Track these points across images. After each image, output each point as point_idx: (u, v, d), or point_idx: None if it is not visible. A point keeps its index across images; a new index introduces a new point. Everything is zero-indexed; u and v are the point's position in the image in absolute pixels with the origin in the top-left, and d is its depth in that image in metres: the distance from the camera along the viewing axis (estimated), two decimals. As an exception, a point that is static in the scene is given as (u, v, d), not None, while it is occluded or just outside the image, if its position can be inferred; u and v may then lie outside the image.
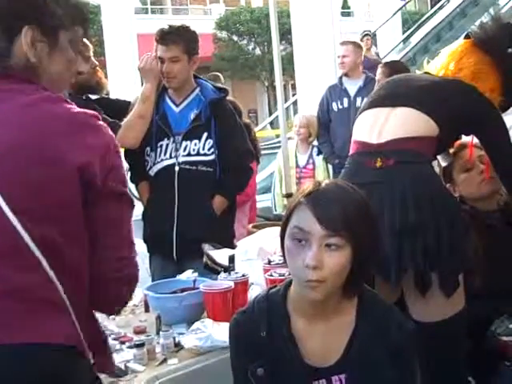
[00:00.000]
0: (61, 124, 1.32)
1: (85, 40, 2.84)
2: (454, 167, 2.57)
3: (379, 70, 4.83)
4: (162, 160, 3.15)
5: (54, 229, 1.29)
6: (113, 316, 2.20)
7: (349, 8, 26.31)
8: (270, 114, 19.47)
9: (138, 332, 2.22)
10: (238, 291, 2.28)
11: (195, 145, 3.12)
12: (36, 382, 1.28)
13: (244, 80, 22.05)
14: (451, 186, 2.55)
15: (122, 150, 3.12)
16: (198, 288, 2.32)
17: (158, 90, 3.18)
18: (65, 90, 1.51)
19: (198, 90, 3.19)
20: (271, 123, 13.12)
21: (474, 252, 2.16)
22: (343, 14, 22.21)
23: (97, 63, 3.18)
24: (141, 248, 3.12)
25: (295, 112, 9.04)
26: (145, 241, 3.22)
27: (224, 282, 2.31)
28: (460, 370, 2.23)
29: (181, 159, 3.12)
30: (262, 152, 5.31)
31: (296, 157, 5.46)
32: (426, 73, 2.50)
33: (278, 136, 7.85)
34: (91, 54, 3.05)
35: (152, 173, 3.19)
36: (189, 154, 3.12)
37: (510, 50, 2.40)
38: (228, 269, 2.43)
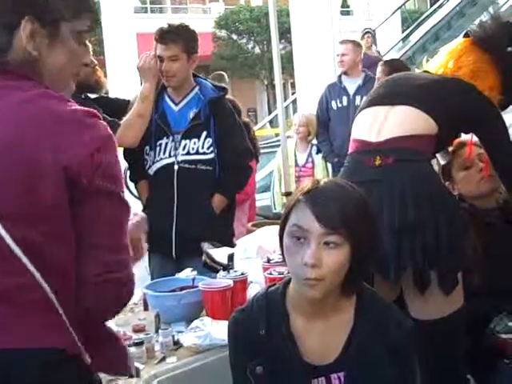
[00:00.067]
0: (50, 121, 1.28)
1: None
2: (453, 165, 2.57)
3: (379, 69, 4.84)
4: (161, 159, 3.15)
5: (39, 228, 1.26)
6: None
7: (348, 7, 26.30)
8: (270, 112, 19.45)
9: (137, 330, 2.22)
10: (237, 289, 2.28)
11: (194, 143, 3.12)
12: None
13: (243, 79, 22.05)
14: (450, 184, 2.55)
15: (121, 149, 3.15)
16: (197, 286, 2.33)
17: (157, 89, 3.18)
18: (68, 86, 1.43)
19: (197, 89, 3.19)
20: (270, 122, 13.11)
21: (472, 250, 2.16)
22: (342, 13, 22.21)
23: (96, 62, 3.18)
24: (140, 247, 3.13)
25: (294, 111, 9.04)
26: (144, 240, 3.22)
27: (223, 280, 2.32)
28: (459, 367, 2.23)
29: (180, 158, 3.12)
30: (262, 151, 5.31)
31: (295, 155, 5.46)
32: (425, 71, 2.51)
33: (277, 135, 7.84)
34: (90, 52, 3.05)
35: (151, 172, 3.19)
36: (188, 153, 3.12)
37: (509, 48, 2.40)
38: (227, 267, 2.43)
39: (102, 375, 1.50)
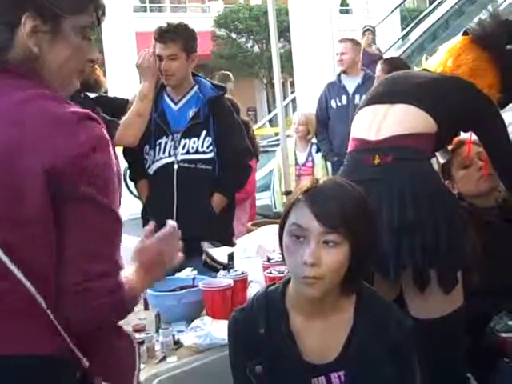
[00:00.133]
0: (39, 123, 1.24)
1: None
2: (452, 164, 2.57)
3: (379, 67, 4.83)
4: (160, 158, 3.15)
5: (20, 232, 1.22)
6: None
7: (347, 5, 26.29)
8: (269, 111, 19.45)
9: (137, 330, 2.21)
10: (237, 289, 2.28)
11: (194, 143, 3.12)
12: None
13: (243, 78, 22.02)
14: (450, 183, 2.55)
15: (120, 149, 3.15)
16: (197, 286, 2.33)
17: (156, 88, 3.18)
18: (72, 84, 1.38)
19: (196, 88, 3.19)
20: (270, 121, 13.10)
21: (472, 249, 2.16)
22: (342, 12, 22.20)
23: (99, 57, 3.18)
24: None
25: (294, 110, 9.03)
26: (144, 239, 3.21)
27: (223, 279, 2.32)
28: (458, 366, 2.23)
29: (180, 157, 3.12)
30: (261, 150, 5.32)
31: (295, 154, 5.46)
32: (424, 69, 2.50)
33: (277, 134, 7.84)
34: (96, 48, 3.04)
35: (151, 171, 3.19)
36: (188, 152, 3.12)
37: (508, 46, 2.40)
38: (227, 266, 2.43)
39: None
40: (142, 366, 1.94)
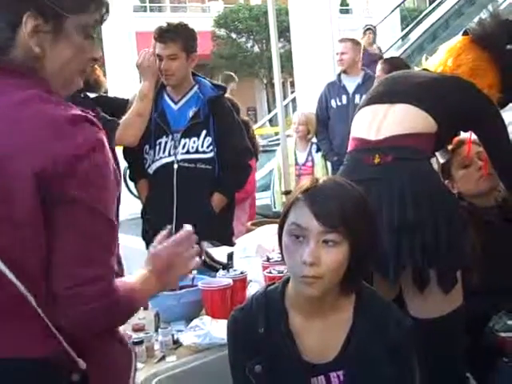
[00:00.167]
0: (36, 126, 1.23)
1: None
2: (452, 164, 2.57)
3: (379, 67, 4.83)
4: (160, 158, 3.15)
5: (10, 234, 1.21)
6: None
7: (347, 5, 26.28)
8: (269, 111, 19.43)
9: (136, 329, 2.21)
10: (236, 288, 2.28)
11: (194, 142, 3.12)
12: None
13: (243, 78, 21.97)
14: (449, 183, 2.55)
15: (120, 148, 3.15)
16: (196, 285, 2.32)
17: (156, 88, 3.18)
18: (74, 83, 1.37)
19: (196, 88, 3.19)
20: (270, 121, 13.10)
21: (471, 248, 2.16)
22: (342, 11, 22.19)
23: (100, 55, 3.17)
24: (139, 246, 3.13)
25: (294, 109, 9.02)
26: (143, 238, 3.22)
27: (223, 279, 2.32)
28: (458, 366, 2.23)
29: (179, 157, 3.12)
30: (261, 149, 5.32)
31: (295, 154, 5.46)
32: (424, 69, 2.50)
33: (277, 133, 7.83)
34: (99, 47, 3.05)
35: (151, 171, 3.19)
36: (187, 152, 3.12)
37: (508, 46, 2.40)
38: (227, 266, 2.43)
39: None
40: (142, 365, 1.95)
